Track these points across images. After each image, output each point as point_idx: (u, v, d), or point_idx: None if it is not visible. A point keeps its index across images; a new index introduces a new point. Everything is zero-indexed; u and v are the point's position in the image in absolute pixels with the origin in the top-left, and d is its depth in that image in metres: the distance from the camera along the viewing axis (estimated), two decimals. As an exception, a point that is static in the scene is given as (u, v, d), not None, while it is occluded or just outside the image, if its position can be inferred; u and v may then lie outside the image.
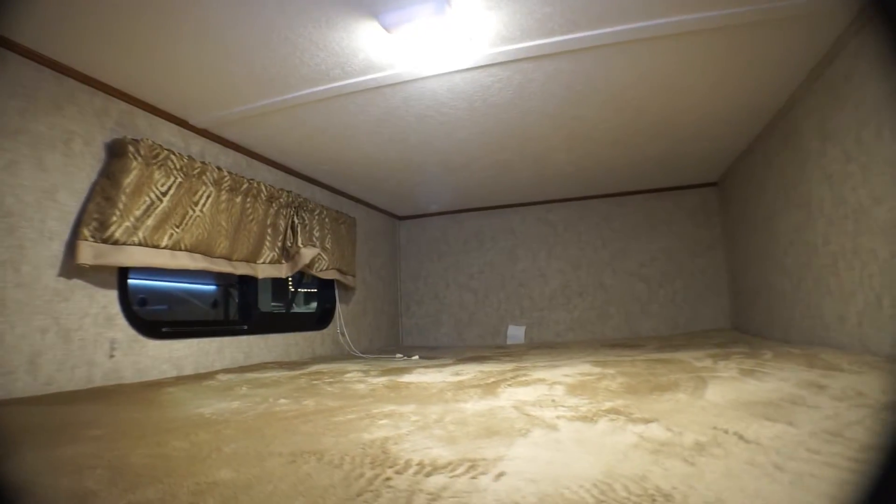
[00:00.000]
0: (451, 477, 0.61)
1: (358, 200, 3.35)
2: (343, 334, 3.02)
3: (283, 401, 1.27)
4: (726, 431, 0.76)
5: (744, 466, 0.60)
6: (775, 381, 1.18)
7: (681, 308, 3.25)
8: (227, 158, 2.27)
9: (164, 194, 1.80)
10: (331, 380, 1.69)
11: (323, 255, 2.71)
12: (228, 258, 2.16)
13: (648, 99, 2.01)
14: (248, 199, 2.27)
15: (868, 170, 1.49)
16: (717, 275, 3.24)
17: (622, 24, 1.47)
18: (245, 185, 2.22)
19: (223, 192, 2.10)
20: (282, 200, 2.48)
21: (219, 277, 2.66)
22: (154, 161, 1.76)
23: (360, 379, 1.69)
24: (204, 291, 2.82)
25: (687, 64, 1.74)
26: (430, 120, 2.14)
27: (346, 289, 3.06)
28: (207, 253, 2.04)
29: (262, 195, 2.34)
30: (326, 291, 3.04)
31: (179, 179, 1.87)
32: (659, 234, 3.35)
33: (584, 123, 2.23)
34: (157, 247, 1.76)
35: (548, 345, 3.10)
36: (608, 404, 1.03)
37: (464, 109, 2.05)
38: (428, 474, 0.63)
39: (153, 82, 1.74)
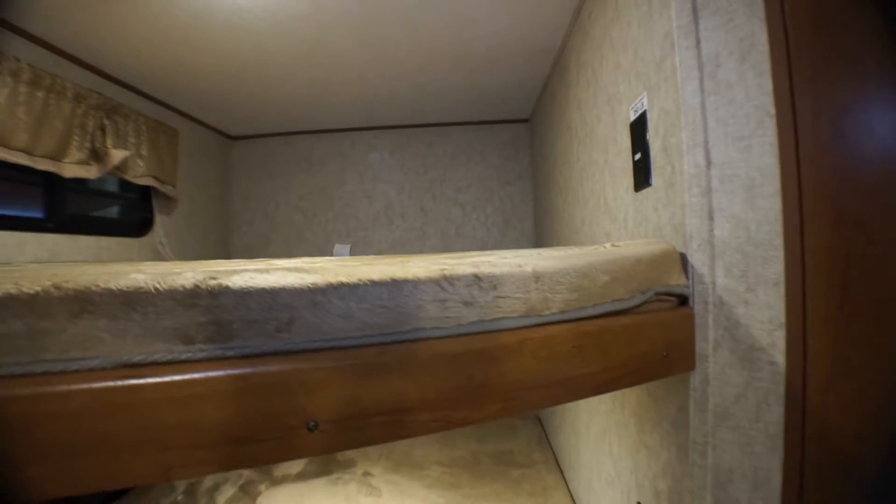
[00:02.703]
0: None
1: (184, 115, 3.59)
2: (162, 244, 3.35)
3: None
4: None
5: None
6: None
7: (490, 230, 3.93)
8: (32, 54, 2.49)
9: (-49, 77, 2.03)
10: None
11: (138, 160, 3.01)
12: (29, 152, 2.42)
13: (436, 23, 2.38)
14: (52, 96, 2.52)
15: (597, 95, 1.97)
16: (524, 202, 3.90)
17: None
18: (48, 81, 2.48)
19: (21, 85, 2.36)
20: (91, 101, 2.73)
21: (23, 173, 2.85)
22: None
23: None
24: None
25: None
26: (237, 28, 2.38)
27: (167, 199, 3.37)
28: (3, 144, 2.30)
29: (68, 93, 2.59)
30: (146, 200, 3.34)
31: (-31, 65, 2.10)
32: (475, 164, 3.93)
33: (387, 45, 2.58)
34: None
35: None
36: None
37: (267, 20, 2.31)
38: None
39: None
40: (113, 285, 0.72)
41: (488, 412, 0.88)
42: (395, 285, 0.83)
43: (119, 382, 0.68)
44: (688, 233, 1.20)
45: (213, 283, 0.74)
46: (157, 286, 0.72)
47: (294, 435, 0.74)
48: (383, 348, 0.81)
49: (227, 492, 2.67)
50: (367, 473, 2.87)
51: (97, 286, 0.71)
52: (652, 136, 1.39)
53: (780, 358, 1.13)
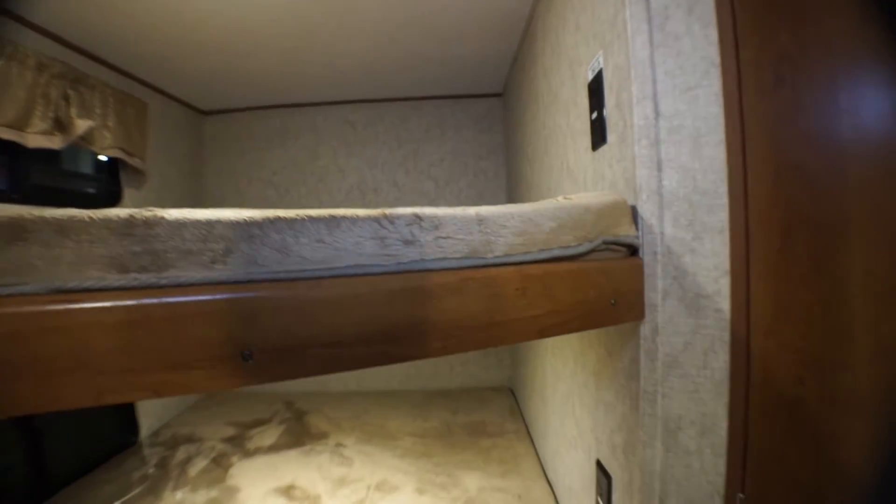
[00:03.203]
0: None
1: (155, 88, 3.56)
2: (132, 218, 3.32)
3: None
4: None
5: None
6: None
7: (464, 205, 3.94)
8: (-10, 22, 2.45)
9: None
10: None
11: (104, 132, 2.99)
12: (-11, 121, 2.41)
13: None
14: (14, 65, 2.50)
15: (560, 61, 1.97)
16: (498, 175, 3.90)
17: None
18: (9, 50, 2.45)
19: (-20, 53, 2.33)
20: (54, 70, 2.71)
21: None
22: None
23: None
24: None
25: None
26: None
27: (137, 172, 3.35)
28: (-38, 111, 2.27)
29: (30, 61, 2.57)
30: (115, 174, 3.31)
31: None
32: (448, 139, 3.93)
33: (354, 13, 2.58)
34: None
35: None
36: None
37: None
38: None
39: None
40: (47, 214, 0.72)
41: (429, 349, 0.91)
42: (333, 221, 0.84)
43: (52, 307, 0.69)
44: (638, 185, 1.23)
45: (148, 214, 0.75)
46: (92, 216, 0.73)
47: (228, 364, 0.76)
48: (319, 282, 0.82)
49: (200, 464, 2.68)
50: (339, 444, 2.90)
51: (31, 214, 0.71)
52: (607, 94, 1.41)
53: (725, 305, 1.16)
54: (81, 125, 2.72)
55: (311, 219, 0.83)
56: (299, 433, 3.03)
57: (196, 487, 2.41)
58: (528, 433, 2.91)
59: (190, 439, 2.98)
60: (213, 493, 2.36)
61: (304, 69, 3.35)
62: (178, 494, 2.36)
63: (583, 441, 1.78)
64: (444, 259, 0.95)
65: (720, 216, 1.17)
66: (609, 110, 1.40)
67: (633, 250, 1.25)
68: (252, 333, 0.77)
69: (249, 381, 0.77)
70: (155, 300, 0.73)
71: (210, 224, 0.77)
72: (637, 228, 1.24)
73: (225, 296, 0.76)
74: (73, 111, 2.72)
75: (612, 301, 1.16)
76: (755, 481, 1.15)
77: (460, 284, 0.93)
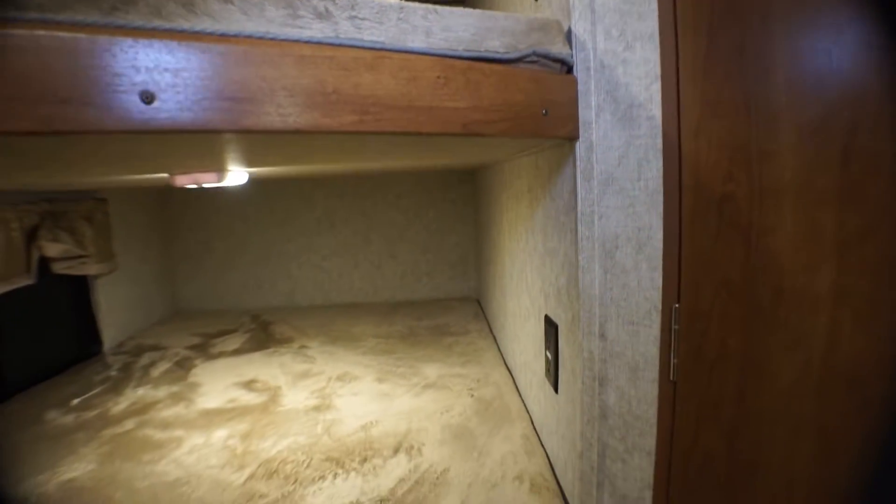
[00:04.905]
0: None
1: None
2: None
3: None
4: None
5: None
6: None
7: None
8: None
9: None
10: None
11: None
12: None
13: None
14: None
15: None
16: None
17: None
18: None
19: None
20: None
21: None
22: None
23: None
24: None
25: None
26: None
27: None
28: None
29: None
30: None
31: None
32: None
33: None
34: None
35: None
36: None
37: None
38: None
39: None
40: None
41: (343, 121, 0.90)
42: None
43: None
44: (571, 3, 1.21)
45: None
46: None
47: (127, 103, 0.75)
48: (224, 37, 0.81)
49: (163, 367, 2.70)
50: (303, 346, 2.93)
51: None
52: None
53: (656, 111, 1.17)
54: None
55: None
56: (264, 340, 3.05)
57: (158, 385, 2.43)
58: (491, 332, 2.96)
59: (155, 348, 2.99)
60: (175, 388, 2.38)
61: None
62: (140, 391, 2.37)
63: (534, 307, 1.81)
64: (360, 41, 0.93)
65: (650, 22, 1.16)
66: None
67: (567, 69, 1.24)
68: (154, 76, 0.76)
69: (149, 127, 0.76)
70: (46, 33, 0.71)
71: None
72: (571, 48, 1.23)
73: (127, 33, 0.74)
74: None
75: (544, 111, 1.16)
76: (689, 289, 1.18)
77: (375, 61, 0.92)
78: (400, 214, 3.61)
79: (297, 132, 0.87)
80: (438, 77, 0.99)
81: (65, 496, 1.59)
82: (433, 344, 2.83)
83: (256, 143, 1.04)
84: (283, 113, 0.85)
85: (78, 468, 1.75)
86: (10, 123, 0.70)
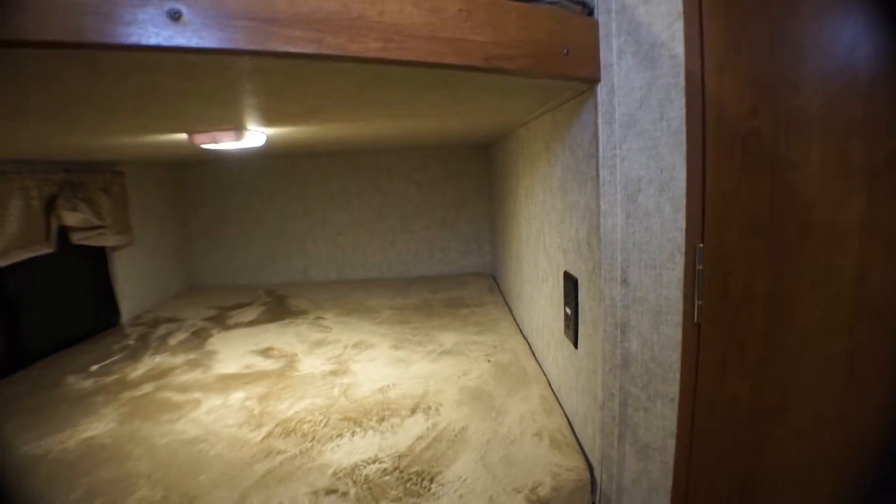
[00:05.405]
0: None
1: None
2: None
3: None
4: None
5: None
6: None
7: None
8: None
9: None
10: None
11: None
12: None
13: None
14: None
15: None
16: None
17: None
18: None
19: None
20: None
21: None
22: None
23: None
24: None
25: None
26: None
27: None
28: None
29: None
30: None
31: None
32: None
33: None
34: None
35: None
36: None
37: None
38: None
39: None
40: None
41: (367, 48, 0.90)
42: None
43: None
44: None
45: None
46: None
47: (155, 18, 0.75)
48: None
49: (180, 336, 2.72)
50: (319, 318, 2.95)
51: None
52: None
53: (679, 49, 1.16)
54: None
55: None
56: (279, 312, 3.08)
57: (175, 353, 2.45)
58: (507, 304, 2.96)
59: (171, 320, 3.02)
60: (192, 356, 2.40)
61: None
62: (157, 358, 2.40)
63: (552, 267, 1.81)
64: (383, -32, 0.93)
65: (674, -41, 1.15)
66: None
67: (588, 11, 1.23)
68: (178, -6, 0.76)
69: (174, 43, 0.76)
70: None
71: None
72: (592, -10, 1.22)
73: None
74: None
75: (566, 51, 1.15)
76: (713, 229, 1.17)
77: (398, -13, 0.91)
78: (415, 188, 3.60)
79: (323, 57, 0.87)
80: (461, 10, 0.99)
81: (85, 452, 1.62)
82: (449, 314, 2.83)
83: (279, 77, 1.04)
84: (308, 36, 0.85)
85: (98, 427, 1.78)
86: (43, 32, 0.70)
